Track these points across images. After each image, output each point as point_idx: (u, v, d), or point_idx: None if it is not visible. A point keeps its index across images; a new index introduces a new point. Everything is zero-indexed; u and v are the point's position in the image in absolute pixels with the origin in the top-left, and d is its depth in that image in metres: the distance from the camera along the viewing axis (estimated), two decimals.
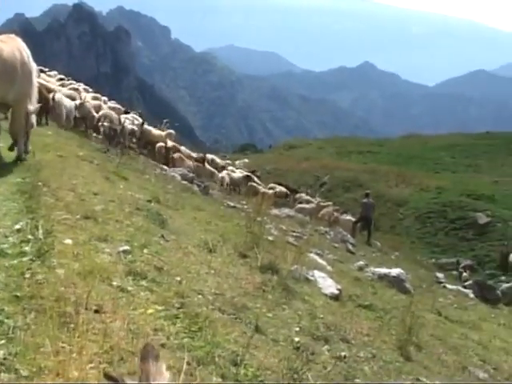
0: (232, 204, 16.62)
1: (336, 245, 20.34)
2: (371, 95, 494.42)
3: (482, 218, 36.19)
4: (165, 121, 29.90)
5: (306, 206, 29.65)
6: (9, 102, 9.59)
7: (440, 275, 22.05)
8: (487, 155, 63.47)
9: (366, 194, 27.44)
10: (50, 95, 17.32)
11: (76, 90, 23.60)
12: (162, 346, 3.78)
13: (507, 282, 24.54)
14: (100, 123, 19.47)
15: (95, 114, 20.24)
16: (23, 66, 9.57)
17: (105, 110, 21.62)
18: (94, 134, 20.31)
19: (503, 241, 32.85)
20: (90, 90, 28.24)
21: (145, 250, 5.72)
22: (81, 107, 19.40)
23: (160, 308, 4.43)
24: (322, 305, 6.91)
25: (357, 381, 4.87)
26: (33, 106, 10.41)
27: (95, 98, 24.74)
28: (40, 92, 16.50)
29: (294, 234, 16.76)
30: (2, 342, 3.37)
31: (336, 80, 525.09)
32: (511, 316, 17.34)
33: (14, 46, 9.50)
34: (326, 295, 7.56)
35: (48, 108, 16.88)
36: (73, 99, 19.83)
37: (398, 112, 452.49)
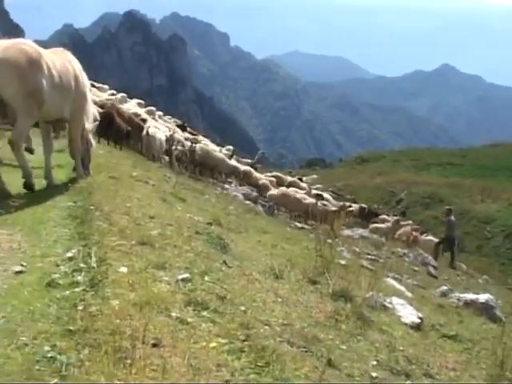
0: (299, 225, 16.63)
1: (416, 268, 20.12)
2: (451, 101, 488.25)
3: None
4: (260, 151, 30.27)
5: (382, 225, 29.35)
6: (64, 117, 9.86)
7: None
8: None
9: (449, 210, 27.00)
10: (145, 126, 18.34)
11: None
12: (227, 382, 3.79)
13: None
14: (174, 147, 19.89)
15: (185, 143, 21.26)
16: (76, 79, 9.83)
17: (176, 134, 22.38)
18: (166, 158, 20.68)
19: None
20: (141, 102, 28.68)
21: (206, 278, 5.75)
22: (170, 139, 20.22)
23: (223, 341, 4.44)
24: (402, 335, 6.81)
25: None
26: (89, 123, 10.69)
27: (149, 113, 25.19)
28: (131, 119, 17.45)
29: (369, 256, 16.65)
30: (55, 380, 3.43)
31: (411, 86, 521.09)
32: None
33: (65, 59, 9.77)
34: (405, 324, 7.46)
35: (127, 134, 17.91)
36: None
37: (482, 119, 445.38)
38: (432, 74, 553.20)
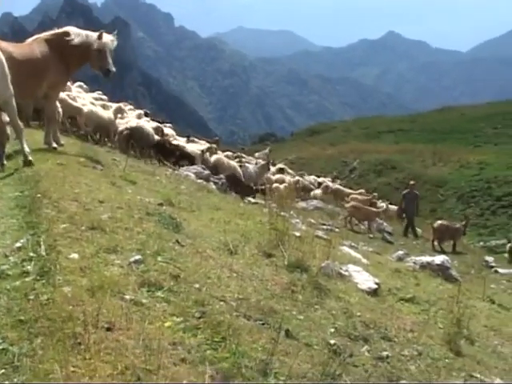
0: (253, 200, 16.63)
1: (371, 235, 20.31)
2: (399, 68, 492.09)
3: None
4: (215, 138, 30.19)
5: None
6: None
7: (490, 259, 21.88)
8: None
9: (412, 185, 27.08)
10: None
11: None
12: (183, 360, 3.77)
13: None
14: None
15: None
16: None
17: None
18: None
19: None
20: (82, 86, 28.17)
21: (159, 258, 5.70)
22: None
23: (178, 320, 4.41)
24: (359, 301, 6.86)
25: (402, 382, 4.83)
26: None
27: (99, 99, 24.83)
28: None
29: (324, 227, 16.75)
30: (7, 371, 3.37)
31: (358, 55, 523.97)
32: None
33: None
34: (362, 291, 7.51)
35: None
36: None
37: (429, 84, 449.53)
38: (377, 42, 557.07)
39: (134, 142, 17.59)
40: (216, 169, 20.56)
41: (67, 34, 12.00)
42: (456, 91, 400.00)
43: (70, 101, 19.10)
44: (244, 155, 35.06)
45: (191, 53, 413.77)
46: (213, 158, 21.98)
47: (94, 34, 12.13)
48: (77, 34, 12.05)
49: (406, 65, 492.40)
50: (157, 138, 19.61)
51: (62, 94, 17.29)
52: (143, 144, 18.57)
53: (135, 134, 18.18)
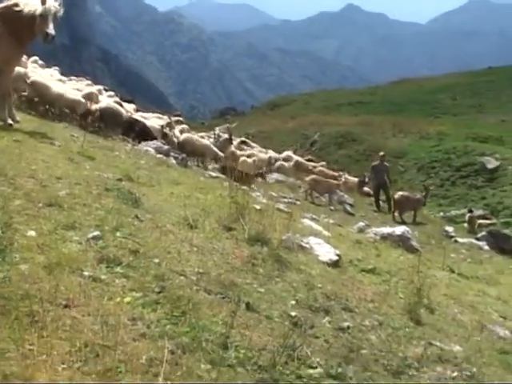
0: (214, 174, 16.57)
1: (332, 208, 20.38)
2: (358, 41, 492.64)
3: (491, 162, 36.24)
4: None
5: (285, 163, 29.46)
6: None
7: (449, 229, 22.12)
8: (491, 93, 63.69)
9: (382, 156, 26.85)
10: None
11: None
12: (142, 335, 3.74)
13: None
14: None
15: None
16: None
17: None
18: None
19: None
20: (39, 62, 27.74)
21: (117, 234, 5.64)
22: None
23: (138, 295, 4.38)
24: (320, 273, 6.89)
25: (363, 352, 4.86)
26: None
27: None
28: None
29: (286, 200, 16.77)
30: None
31: (317, 28, 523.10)
32: None
33: None
34: (323, 263, 7.55)
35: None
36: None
37: (388, 56, 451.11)
38: (337, 15, 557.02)
39: (105, 122, 17.38)
40: (183, 147, 20.31)
41: (16, 4, 11.72)
42: (415, 63, 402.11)
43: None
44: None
45: (149, 27, 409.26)
46: (182, 137, 21.69)
47: (39, 1, 11.85)
48: (25, 3, 11.78)
49: (366, 37, 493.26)
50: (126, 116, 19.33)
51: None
52: (113, 124, 18.30)
53: (106, 114, 17.92)
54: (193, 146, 21.10)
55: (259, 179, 19.83)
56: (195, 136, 23.56)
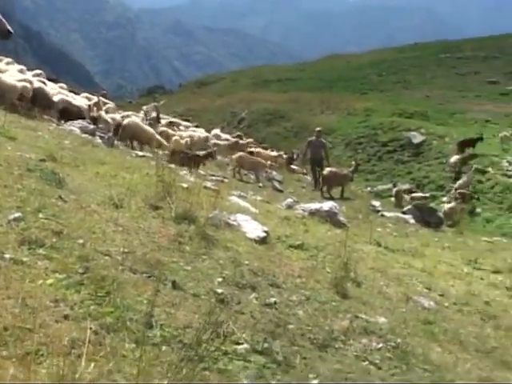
0: (141, 154, 16.42)
1: (261, 185, 20.42)
2: (285, 17, 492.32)
3: (417, 137, 36.77)
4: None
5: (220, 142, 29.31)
6: None
7: (376, 203, 22.43)
8: (416, 69, 64.58)
9: (318, 131, 26.52)
10: None
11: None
12: (65, 317, 3.70)
13: (449, 203, 25.22)
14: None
15: None
16: None
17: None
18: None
19: (441, 159, 33.62)
20: None
21: (40, 215, 5.54)
22: None
23: (61, 276, 4.32)
24: (247, 250, 6.92)
25: (290, 327, 4.91)
26: None
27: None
28: None
29: (214, 178, 16.74)
30: None
31: (243, 5, 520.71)
32: (455, 238, 17.91)
33: None
34: (251, 239, 7.57)
35: None
36: None
37: (317, 33, 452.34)
38: None
39: (35, 103, 16.99)
40: (126, 132, 19.73)
41: None
42: (343, 39, 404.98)
43: None
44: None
45: (73, 5, 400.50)
46: (125, 122, 20.84)
47: None
48: None
49: (294, 14, 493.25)
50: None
51: None
52: (44, 105, 17.88)
53: (37, 95, 17.48)
54: (136, 133, 20.44)
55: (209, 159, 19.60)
56: (140, 122, 22.60)
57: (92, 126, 17.07)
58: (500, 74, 58.71)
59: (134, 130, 20.20)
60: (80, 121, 17.09)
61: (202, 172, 16.63)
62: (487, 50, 68.72)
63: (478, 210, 26.84)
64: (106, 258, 5.02)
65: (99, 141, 15.47)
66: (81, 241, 5.19)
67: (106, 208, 6.67)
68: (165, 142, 21.07)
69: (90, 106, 20.90)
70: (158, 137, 21.05)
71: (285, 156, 29.74)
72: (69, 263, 4.59)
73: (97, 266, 4.68)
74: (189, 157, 18.14)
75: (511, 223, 25.08)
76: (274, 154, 29.57)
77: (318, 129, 26.70)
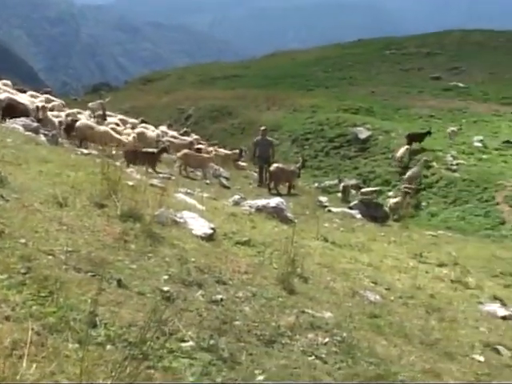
0: (86, 151, 16.25)
1: (208, 181, 20.39)
2: (234, 14, 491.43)
3: (363, 133, 37.07)
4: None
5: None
6: None
7: (323, 199, 22.59)
8: (361, 65, 65.16)
9: (264, 130, 26.34)
10: None
11: None
12: (6, 318, 3.63)
13: (395, 197, 25.53)
14: None
15: None
16: None
17: None
18: None
19: (387, 154, 33.98)
20: None
21: None
22: None
23: (2, 277, 4.25)
24: (194, 247, 6.89)
25: (236, 323, 4.91)
26: None
27: None
28: None
29: (161, 175, 16.67)
30: None
31: (191, 1, 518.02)
32: (401, 232, 18.14)
33: None
34: (197, 236, 7.55)
35: None
36: None
37: (265, 30, 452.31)
38: None
39: None
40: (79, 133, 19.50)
41: None
42: (289, 36, 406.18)
43: None
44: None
45: (16, 0, 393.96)
46: (78, 124, 20.61)
47: None
48: None
49: (242, 11, 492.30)
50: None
51: None
52: None
53: None
54: (89, 134, 20.15)
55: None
56: (92, 123, 22.30)
57: (36, 124, 16.83)
58: (443, 69, 59.66)
59: (86, 131, 20.09)
60: (23, 118, 16.85)
61: (148, 169, 16.56)
62: (430, 46, 69.75)
63: (423, 204, 27.25)
64: (49, 257, 4.94)
65: (43, 139, 15.28)
66: (23, 240, 5.10)
67: (49, 207, 6.58)
68: (124, 140, 20.95)
69: (37, 107, 20.58)
70: (115, 134, 21.01)
71: (229, 152, 29.67)
72: (10, 263, 4.52)
73: (39, 266, 4.61)
74: (143, 154, 18.09)
75: (455, 217, 25.49)
76: (228, 152, 29.49)
77: (262, 128, 26.64)
